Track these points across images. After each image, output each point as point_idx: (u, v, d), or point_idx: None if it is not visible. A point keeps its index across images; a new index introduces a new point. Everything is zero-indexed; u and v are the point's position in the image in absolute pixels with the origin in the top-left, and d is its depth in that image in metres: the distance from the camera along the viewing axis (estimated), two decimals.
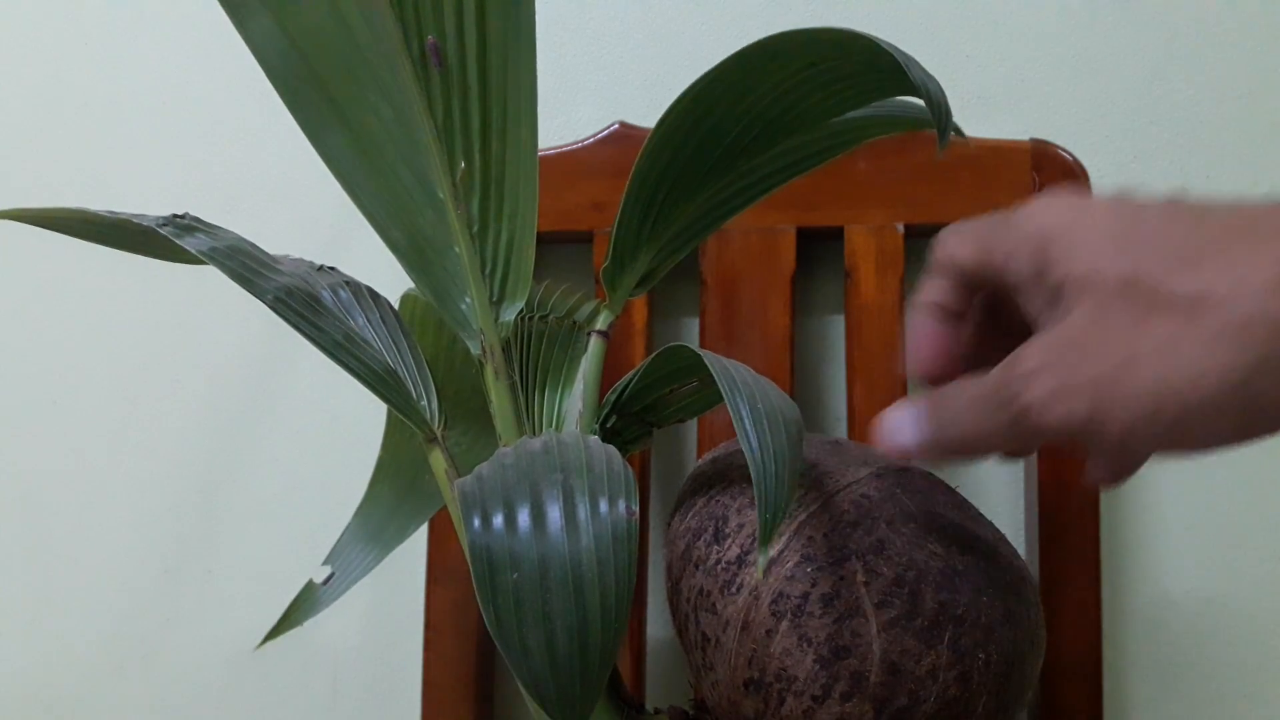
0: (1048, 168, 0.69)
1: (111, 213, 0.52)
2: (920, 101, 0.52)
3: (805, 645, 0.46)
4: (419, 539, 0.76)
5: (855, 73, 0.49)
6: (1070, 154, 0.69)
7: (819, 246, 0.73)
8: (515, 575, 0.39)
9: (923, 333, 0.44)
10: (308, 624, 0.77)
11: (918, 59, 0.47)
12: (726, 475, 0.53)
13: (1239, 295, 0.33)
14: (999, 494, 0.73)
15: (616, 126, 0.72)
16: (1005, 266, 0.40)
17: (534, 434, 0.55)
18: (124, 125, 0.82)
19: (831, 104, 0.52)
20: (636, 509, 0.41)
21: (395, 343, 0.54)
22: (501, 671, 0.75)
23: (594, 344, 0.55)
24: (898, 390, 0.68)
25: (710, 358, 0.45)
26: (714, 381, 0.43)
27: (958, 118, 0.74)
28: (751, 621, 0.47)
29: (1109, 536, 0.72)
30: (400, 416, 0.52)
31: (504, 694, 0.75)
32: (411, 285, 0.69)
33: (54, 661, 0.80)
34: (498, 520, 0.41)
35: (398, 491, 0.65)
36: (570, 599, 0.39)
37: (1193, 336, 0.33)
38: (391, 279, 0.74)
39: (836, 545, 0.47)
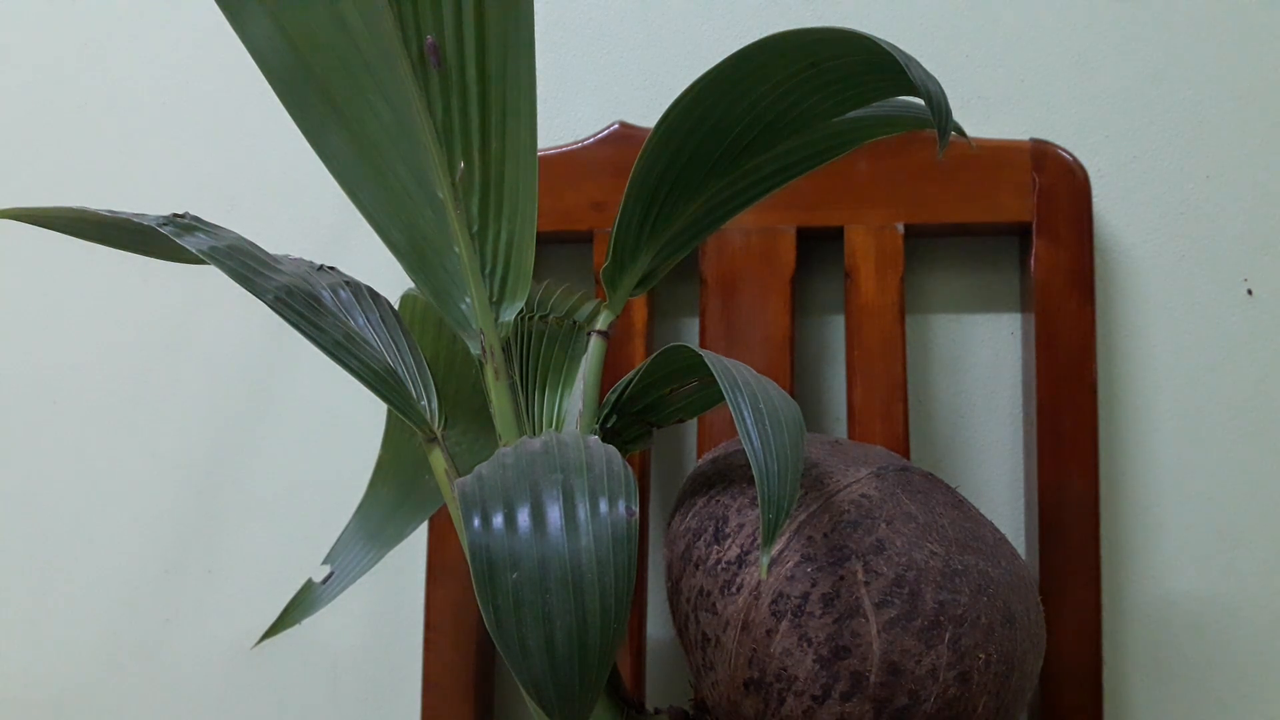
0: (1048, 168, 0.69)
1: (111, 213, 0.52)
2: (920, 101, 0.52)
3: (805, 645, 0.46)
4: (419, 538, 0.76)
5: (855, 73, 0.49)
6: (1070, 154, 0.69)
7: (819, 246, 0.73)
8: (515, 575, 0.39)
9: None
10: (307, 623, 0.77)
11: (918, 59, 0.47)
12: (726, 475, 0.53)
13: None
14: (999, 494, 0.73)
15: (616, 126, 0.72)
16: None
17: (534, 434, 0.55)
18: (124, 125, 0.82)
19: (831, 104, 0.52)
20: (636, 509, 0.41)
21: (395, 343, 0.54)
22: (501, 671, 0.75)
23: (594, 344, 0.55)
24: (898, 390, 0.68)
25: (711, 358, 0.45)
26: (714, 381, 0.43)
27: (958, 118, 0.74)
28: (751, 621, 0.47)
29: (1109, 536, 0.72)
30: (400, 416, 0.51)
31: (504, 694, 0.75)
32: (411, 285, 0.69)
33: (54, 661, 0.80)
34: (498, 520, 0.41)
35: (398, 491, 0.65)
36: (570, 599, 0.39)
37: None
38: (391, 279, 0.74)
39: (836, 545, 0.47)
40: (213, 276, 0.80)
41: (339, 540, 0.64)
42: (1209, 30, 0.73)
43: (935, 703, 0.46)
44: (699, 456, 0.69)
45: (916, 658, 0.45)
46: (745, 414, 0.42)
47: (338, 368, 0.50)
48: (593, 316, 0.62)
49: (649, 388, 0.55)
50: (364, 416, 0.79)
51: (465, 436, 0.63)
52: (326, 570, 0.63)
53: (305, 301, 0.50)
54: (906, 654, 0.45)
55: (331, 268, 0.57)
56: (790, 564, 0.47)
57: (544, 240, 0.73)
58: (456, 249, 0.52)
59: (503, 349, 0.52)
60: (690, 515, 0.52)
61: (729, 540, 0.49)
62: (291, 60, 0.50)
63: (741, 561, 0.48)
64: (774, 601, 0.46)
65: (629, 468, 0.43)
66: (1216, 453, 0.71)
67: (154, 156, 0.82)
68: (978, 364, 0.74)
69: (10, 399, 0.82)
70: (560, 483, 0.42)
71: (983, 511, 0.70)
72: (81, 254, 0.82)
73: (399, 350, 0.54)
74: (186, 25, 0.82)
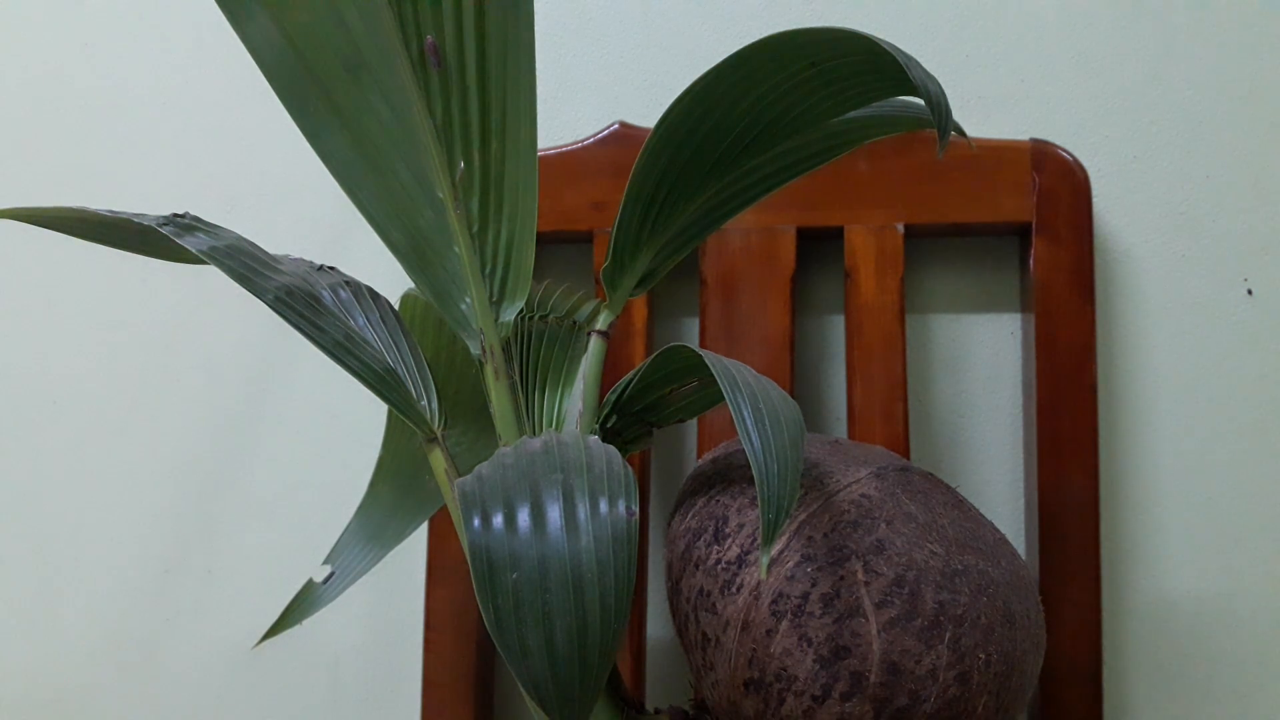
0: (1048, 168, 0.69)
1: (111, 213, 0.52)
2: (920, 101, 0.52)
3: (805, 645, 0.46)
4: (419, 539, 0.76)
5: (855, 73, 0.49)
6: (1070, 154, 0.69)
7: (819, 246, 0.73)
8: (515, 575, 0.39)
9: None
10: (308, 623, 0.77)
11: (918, 59, 0.47)
12: (727, 475, 0.53)
13: None
14: (999, 494, 0.73)
15: (616, 126, 0.72)
16: None
17: (534, 434, 0.55)
18: (124, 125, 0.82)
19: (831, 104, 0.52)
20: (636, 509, 0.41)
21: (395, 343, 0.54)
22: (501, 671, 0.75)
23: (594, 344, 0.55)
24: (898, 390, 0.68)
25: (711, 358, 0.45)
26: (714, 381, 0.43)
27: (958, 117, 0.74)
28: (752, 621, 0.47)
29: (1109, 536, 0.72)
30: (400, 416, 0.51)
31: (504, 694, 0.75)
32: (411, 285, 0.69)
33: (54, 661, 0.80)
34: (498, 520, 0.41)
35: (398, 491, 0.65)
36: (570, 599, 0.39)
37: None
38: (391, 279, 0.74)
39: (836, 545, 0.47)
40: (213, 276, 0.80)
41: (339, 540, 0.64)
42: (1209, 30, 0.73)
43: (935, 703, 0.46)
44: (699, 456, 0.69)
45: (916, 658, 0.45)
46: (745, 414, 0.42)
47: (338, 368, 0.50)
48: (593, 316, 0.62)
49: (649, 388, 0.55)
50: (364, 416, 0.79)
51: (465, 436, 0.63)
52: (327, 570, 0.63)
53: (305, 301, 0.50)
54: (906, 654, 0.45)
55: (331, 268, 0.57)
56: (790, 564, 0.47)
57: (544, 240, 0.73)
58: (456, 249, 0.52)
59: (503, 349, 0.52)
60: (690, 515, 0.52)
61: (729, 540, 0.49)
62: (291, 60, 0.50)
63: (741, 561, 0.48)
64: (774, 601, 0.46)
65: (629, 468, 0.43)
66: (1216, 453, 0.71)
67: (154, 156, 0.82)
68: (978, 364, 0.74)
69: (10, 399, 0.82)
70: (560, 483, 0.42)
71: (983, 511, 0.70)
72: (81, 254, 0.82)
73: (399, 350, 0.54)
74: (186, 25, 0.82)
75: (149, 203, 0.82)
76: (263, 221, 0.80)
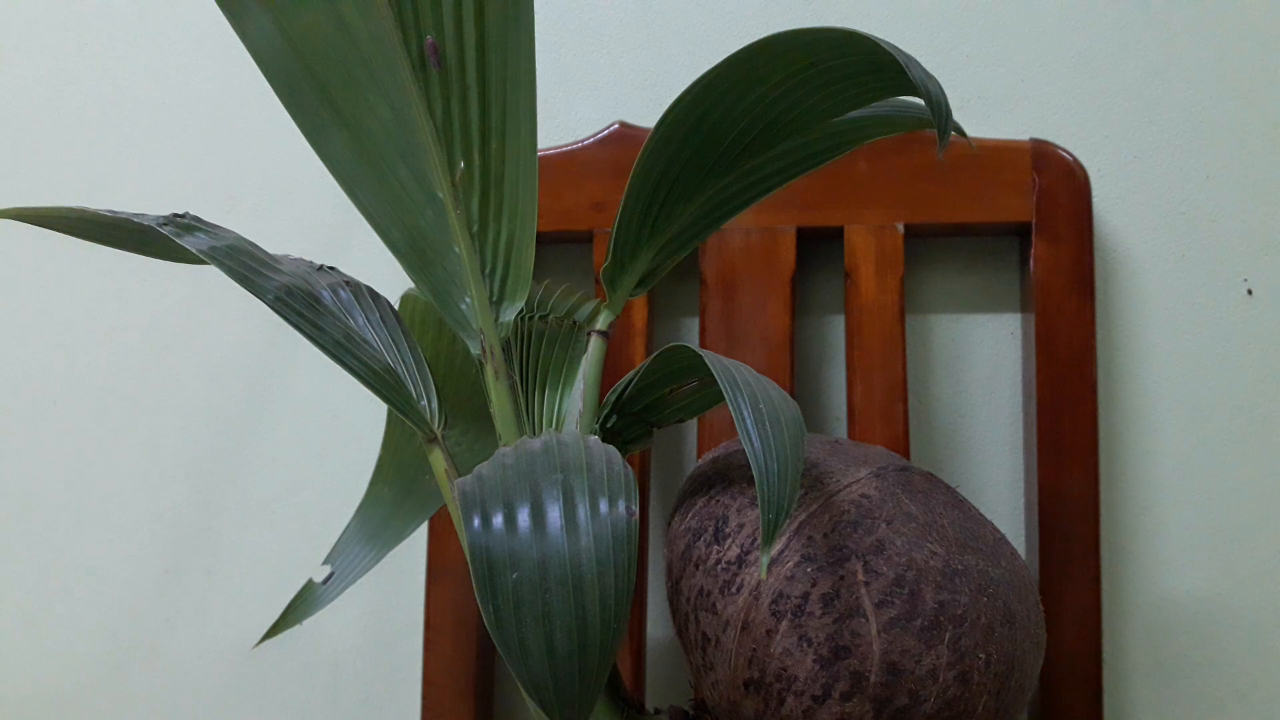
0: (1048, 168, 0.69)
1: (111, 212, 0.52)
2: (920, 101, 0.52)
3: (805, 645, 0.46)
4: (419, 538, 0.76)
5: (855, 73, 0.49)
6: (1070, 154, 0.69)
7: (819, 246, 0.73)
8: (515, 575, 0.39)
9: None
10: (308, 624, 0.77)
11: (918, 59, 0.47)
12: (727, 475, 0.53)
13: None
14: (999, 494, 0.73)
15: (616, 126, 0.72)
16: None
17: (534, 434, 0.55)
18: (124, 125, 0.82)
19: (831, 104, 0.52)
20: (636, 509, 0.41)
21: (395, 343, 0.54)
22: (501, 671, 0.75)
23: (594, 344, 0.55)
24: (898, 390, 0.68)
25: (711, 358, 0.45)
26: (714, 381, 0.43)
27: (958, 117, 0.74)
28: (751, 621, 0.47)
29: (1109, 536, 0.72)
30: (400, 416, 0.51)
31: (504, 694, 0.75)
32: (411, 285, 0.69)
33: (54, 661, 0.80)
34: (498, 520, 0.41)
35: (398, 491, 0.65)
36: (570, 599, 0.39)
37: None
38: (391, 279, 0.74)
39: (836, 545, 0.47)
40: (213, 276, 0.80)
41: (339, 540, 0.64)
42: (1209, 30, 0.73)
43: (935, 703, 0.46)
44: (699, 456, 0.69)
45: (916, 658, 0.45)
46: (745, 414, 0.42)
47: (338, 368, 0.50)
48: (593, 316, 0.62)
49: (649, 388, 0.55)
50: (364, 416, 0.79)
51: (465, 436, 0.63)
52: (327, 570, 0.63)
53: (305, 301, 0.50)
54: (906, 654, 0.45)
55: (331, 268, 0.57)
56: (790, 564, 0.47)
57: (544, 240, 0.73)
58: (456, 249, 0.52)
59: (503, 349, 0.52)
60: (690, 515, 0.52)
61: (729, 540, 0.49)
62: (291, 60, 0.50)
63: (741, 561, 0.48)
64: (774, 601, 0.46)
65: (629, 468, 0.43)
66: (1216, 452, 0.71)
67: (154, 156, 0.82)
68: (978, 364, 0.74)
69: (10, 399, 0.82)
70: (560, 483, 0.42)
71: (983, 511, 0.70)
72: (81, 254, 0.82)
73: (399, 350, 0.54)
74: (186, 25, 0.82)
75: (149, 203, 0.82)
76: (263, 221, 0.80)
